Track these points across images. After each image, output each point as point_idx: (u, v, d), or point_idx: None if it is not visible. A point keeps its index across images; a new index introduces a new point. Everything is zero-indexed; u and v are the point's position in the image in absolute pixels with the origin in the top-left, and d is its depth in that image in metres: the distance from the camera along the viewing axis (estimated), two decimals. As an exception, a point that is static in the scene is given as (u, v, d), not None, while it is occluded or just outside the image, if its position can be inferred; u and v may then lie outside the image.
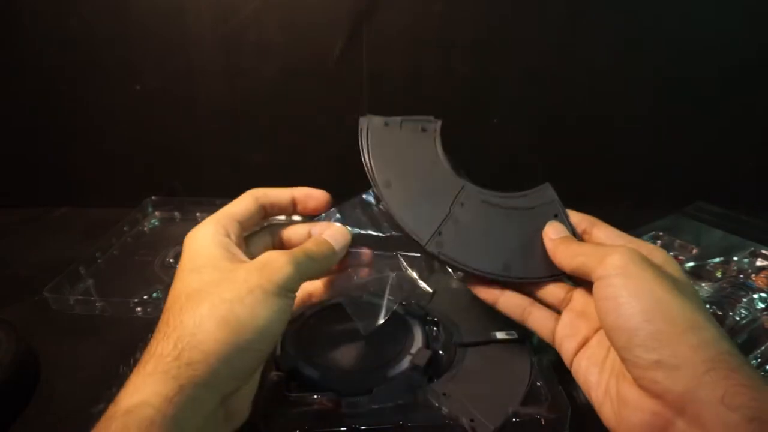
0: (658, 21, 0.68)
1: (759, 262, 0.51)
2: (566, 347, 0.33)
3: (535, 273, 0.35)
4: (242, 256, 0.31)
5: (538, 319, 0.35)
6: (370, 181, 0.36)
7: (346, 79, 0.69)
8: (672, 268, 0.29)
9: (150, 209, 0.72)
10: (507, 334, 0.44)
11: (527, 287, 0.36)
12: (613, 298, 0.27)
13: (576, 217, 0.35)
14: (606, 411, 0.29)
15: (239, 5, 0.65)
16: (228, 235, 0.32)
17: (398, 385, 0.39)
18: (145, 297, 0.52)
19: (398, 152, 0.36)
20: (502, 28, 0.68)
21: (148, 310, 0.51)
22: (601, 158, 0.74)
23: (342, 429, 0.36)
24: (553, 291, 0.36)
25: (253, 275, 0.28)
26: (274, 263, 0.29)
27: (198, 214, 0.71)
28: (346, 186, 0.80)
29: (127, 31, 0.66)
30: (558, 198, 0.36)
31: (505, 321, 0.47)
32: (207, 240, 0.31)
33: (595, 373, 0.30)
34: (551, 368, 0.45)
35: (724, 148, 0.74)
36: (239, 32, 0.66)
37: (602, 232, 0.34)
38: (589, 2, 0.67)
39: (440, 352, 0.43)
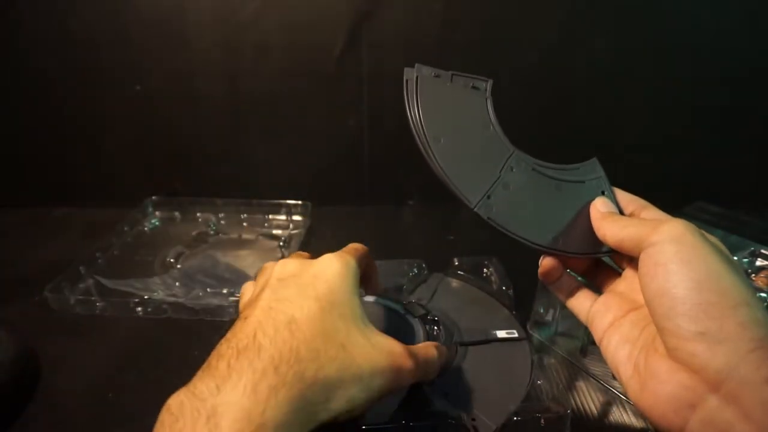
0: (659, 22, 0.68)
1: (759, 262, 0.51)
2: (598, 323, 0.32)
3: (582, 248, 0.33)
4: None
5: (577, 300, 0.35)
6: (417, 135, 0.34)
7: (346, 79, 0.69)
8: (724, 248, 0.28)
9: (150, 209, 0.72)
10: (507, 333, 0.44)
11: (572, 261, 0.35)
12: (662, 264, 0.26)
13: (625, 198, 0.34)
14: (633, 384, 0.28)
15: (239, 5, 0.65)
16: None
17: None
18: (145, 297, 0.52)
19: (448, 108, 0.35)
20: (502, 28, 0.68)
21: (149, 309, 0.51)
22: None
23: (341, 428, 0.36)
24: (597, 271, 0.35)
25: (382, 358, 0.30)
26: (401, 358, 0.31)
27: (198, 214, 0.71)
28: (346, 186, 0.80)
29: (127, 31, 0.66)
30: (605, 175, 0.35)
31: (504, 320, 0.47)
32: (350, 287, 0.32)
33: (626, 349, 0.30)
34: (552, 367, 0.45)
35: (724, 148, 0.74)
36: (239, 32, 0.67)
37: (653, 215, 0.33)
38: (590, 3, 0.67)
39: None
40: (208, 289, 0.54)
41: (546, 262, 0.34)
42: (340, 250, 0.34)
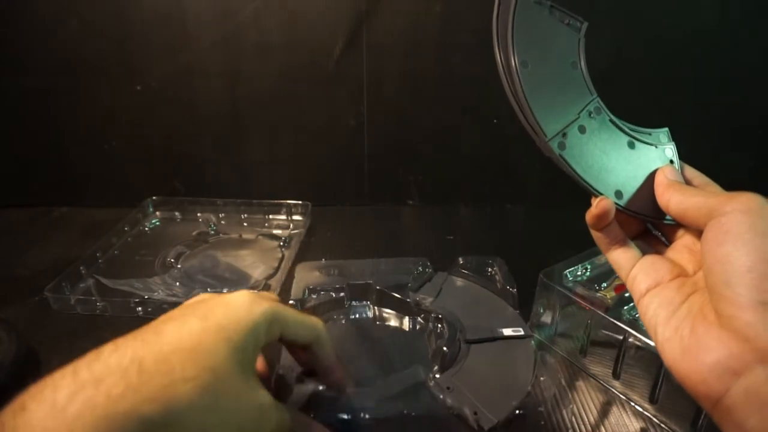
0: (657, 21, 0.68)
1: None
2: (641, 280, 0.32)
3: (642, 209, 0.34)
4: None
5: (621, 254, 0.34)
6: (504, 56, 0.33)
7: (346, 79, 0.69)
8: None
9: (150, 209, 0.72)
10: (513, 331, 0.44)
11: (626, 221, 0.35)
12: (734, 233, 0.26)
13: (690, 172, 0.35)
14: (671, 347, 0.28)
15: (239, 5, 0.65)
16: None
17: (403, 377, 0.39)
18: (145, 297, 0.52)
19: (541, 37, 0.34)
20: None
21: (149, 309, 0.51)
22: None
23: (345, 417, 0.36)
24: (644, 239, 0.35)
25: (251, 400, 0.28)
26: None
27: (198, 214, 0.71)
28: (346, 185, 0.80)
29: (127, 31, 0.66)
30: (675, 146, 0.36)
31: (510, 318, 0.47)
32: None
33: (668, 311, 0.29)
34: (552, 367, 0.45)
35: (723, 148, 0.74)
36: (239, 33, 0.67)
37: (717, 191, 0.33)
38: (588, 3, 0.67)
39: (444, 348, 0.43)
40: (209, 289, 0.54)
41: (603, 204, 0.32)
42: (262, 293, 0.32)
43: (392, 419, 0.36)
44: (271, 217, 0.71)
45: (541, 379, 0.40)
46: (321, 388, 0.37)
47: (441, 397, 0.38)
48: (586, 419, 0.40)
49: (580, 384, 0.44)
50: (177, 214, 0.72)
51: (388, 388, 0.38)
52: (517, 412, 0.37)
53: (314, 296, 0.50)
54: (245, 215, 0.71)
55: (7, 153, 0.73)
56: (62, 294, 0.52)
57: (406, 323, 0.49)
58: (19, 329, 0.45)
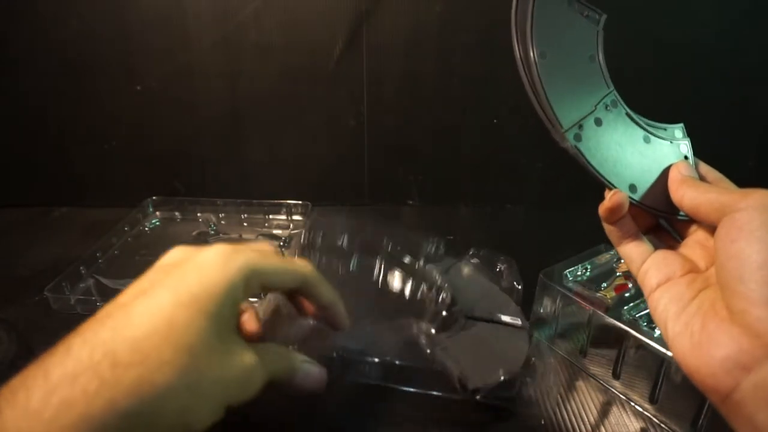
0: (657, 21, 0.68)
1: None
2: (652, 275, 0.32)
3: (656, 204, 0.34)
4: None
5: (633, 248, 0.34)
6: (522, 49, 0.33)
7: (346, 79, 0.69)
8: None
9: (150, 209, 0.72)
10: (512, 319, 0.45)
11: (639, 215, 0.35)
12: (748, 230, 0.26)
13: (704, 169, 0.35)
14: (681, 342, 0.28)
15: (239, 5, 0.65)
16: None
17: (396, 325, 0.40)
18: (145, 297, 0.52)
19: (559, 28, 0.34)
20: (502, 28, 0.68)
21: (149, 310, 0.51)
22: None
23: (335, 355, 0.37)
24: (656, 235, 0.35)
25: (232, 366, 0.27)
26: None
27: (198, 214, 0.71)
28: (346, 185, 0.80)
29: (127, 31, 0.66)
30: (690, 142, 0.36)
31: (512, 311, 0.47)
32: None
33: (679, 306, 0.29)
34: (552, 367, 0.45)
35: (724, 148, 0.74)
36: (239, 32, 0.67)
37: (730, 187, 0.33)
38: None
39: (444, 313, 0.43)
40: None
41: (616, 198, 0.32)
42: (241, 245, 0.30)
43: (379, 364, 0.37)
44: (271, 217, 0.71)
45: (533, 359, 0.40)
46: (315, 323, 0.36)
47: (429, 352, 0.38)
48: (586, 419, 0.40)
49: (580, 384, 0.44)
50: (177, 214, 0.72)
51: (380, 332, 0.39)
52: (503, 378, 0.37)
53: (325, 241, 0.50)
54: (245, 215, 0.71)
55: (7, 153, 0.73)
56: (62, 294, 0.52)
57: (409, 286, 0.49)
58: (19, 329, 0.45)
